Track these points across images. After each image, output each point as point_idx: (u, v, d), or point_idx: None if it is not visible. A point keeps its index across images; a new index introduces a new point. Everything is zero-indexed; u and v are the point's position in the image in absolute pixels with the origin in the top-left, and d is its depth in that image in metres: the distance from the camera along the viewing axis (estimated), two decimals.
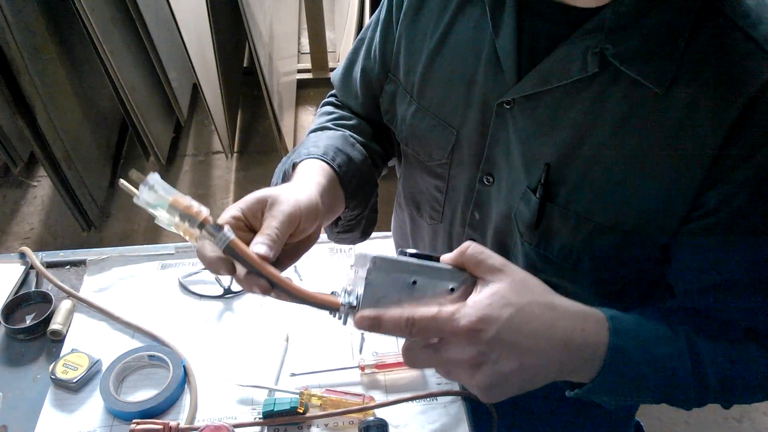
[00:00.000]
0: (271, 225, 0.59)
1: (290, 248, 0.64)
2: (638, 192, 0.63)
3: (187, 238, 0.58)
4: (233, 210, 0.61)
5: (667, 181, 0.62)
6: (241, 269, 0.57)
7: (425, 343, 0.55)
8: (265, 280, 0.56)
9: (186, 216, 0.56)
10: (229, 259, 0.57)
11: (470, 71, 0.71)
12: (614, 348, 0.57)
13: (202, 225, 0.56)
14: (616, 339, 0.58)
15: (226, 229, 0.57)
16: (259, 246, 0.57)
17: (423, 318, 0.53)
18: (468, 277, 0.56)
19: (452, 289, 0.56)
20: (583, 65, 0.61)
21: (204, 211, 0.57)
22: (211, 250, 0.58)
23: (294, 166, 0.75)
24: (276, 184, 0.77)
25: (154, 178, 0.56)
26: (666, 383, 0.61)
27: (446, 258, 0.57)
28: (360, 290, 0.56)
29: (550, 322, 0.55)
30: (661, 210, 0.63)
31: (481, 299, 0.54)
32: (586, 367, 0.58)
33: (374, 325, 0.54)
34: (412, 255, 0.58)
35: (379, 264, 0.55)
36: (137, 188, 0.56)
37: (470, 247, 0.56)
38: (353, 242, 0.86)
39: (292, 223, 0.61)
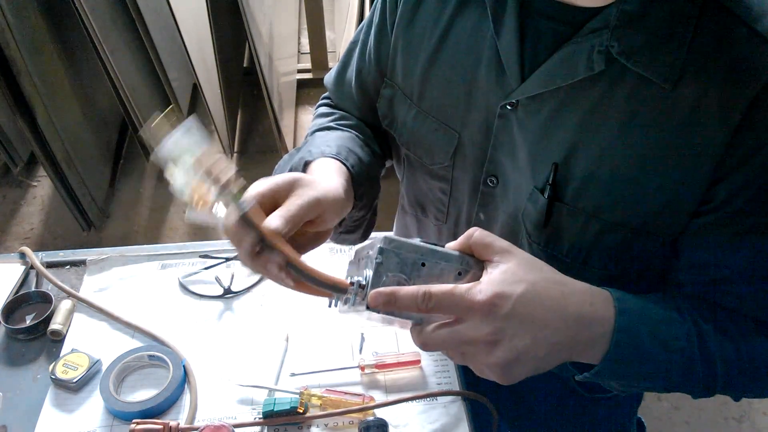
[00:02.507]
0: (293, 202, 0.60)
1: (306, 239, 0.65)
2: (646, 188, 0.63)
3: (197, 204, 0.56)
4: (261, 186, 0.61)
5: (675, 177, 0.62)
6: (250, 244, 0.57)
7: (440, 323, 0.55)
8: (278, 255, 0.56)
9: (208, 175, 0.54)
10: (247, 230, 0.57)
11: (471, 73, 0.71)
12: (621, 329, 0.57)
13: (223, 189, 0.55)
14: (622, 319, 0.58)
15: (244, 197, 0.57)
16: (273, 219, 0.57)
17: (440, 292, 0.53)
18: (474, 262, 0.57)
19: (459, 273, 0.57)
20: (589, 64, 0.61)
21: (226, 175, 0.55)
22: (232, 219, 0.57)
23: (307, 164, 0.74)
24: None
25: (192, 121, 0.54)
26: (673, 364, 0.61)
27: (452, 245, 0.58)
28: (369, 272, 0.56)
29: (562, 296, 0.56)
30: (670, 206, 0.64)
31: (494, 277, 0.54)
32: (595, 345, 0.58)
33: (389, 301, 0.54)
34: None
35: (389, 244, 0.56)
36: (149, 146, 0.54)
37: (476, 232, 0.57)
38: (353, 243, 0.86)
39: (314, 208, 0.61)
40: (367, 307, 0.55)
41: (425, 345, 0.56)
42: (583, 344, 0.57)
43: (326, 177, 0.69)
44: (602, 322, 0.58)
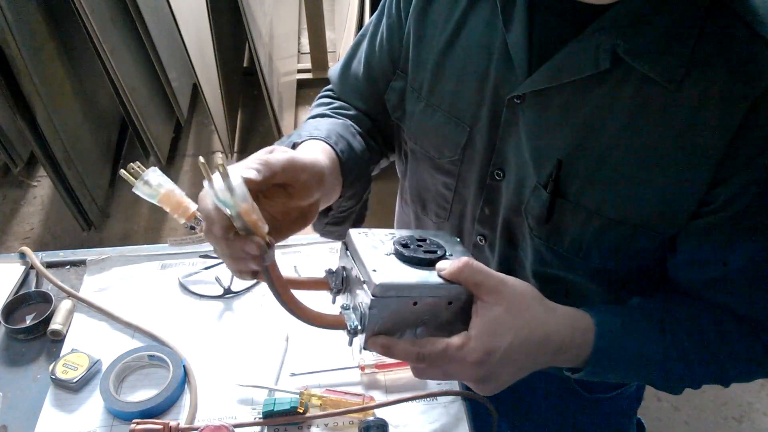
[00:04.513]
0: (264, 153, 0.58)
1: (291, 219, 0.64)
2: (648, 187, 0.64)
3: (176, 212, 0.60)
4: (246, 163, 0.57)
5: (677, 176, 0.62)
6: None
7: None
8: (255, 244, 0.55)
9: (177, 211, 0.57)
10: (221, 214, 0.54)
11: (483, 67, 0.71)
12: (598, 350, 0.65)
13: (192, 227, 0.58)
14: (601, 342, 0.65)
15: (234, 185, 0.56)
16: (247, 170, 0.55)
17: (433, 354, 0.59)
18: (463, 290, 0.60)
19: (450, 302, 0.60)
20: (595, 61, 0.61)
21: (192, 207, 0.58)
22: (210, 201, 0.55)
23: (295, 146, 0.73)
24: None
25: (149, 174, 0.57)
26: (651, 373, 0.70)
27: (444, 271, 0.60)
28: (363, 304, 0.58)
29: (545, 336, 0.62)
30: (671, 205, 0.64)
31: (481, 330, 0.59)
32: (574, 362, 0.66)
33: (385, 350, 0.60)
34: (406, 243, 0.62)
35: (381, 290, 0.57)
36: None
37: (467, 268, 0.59)
38: (339, 237, 0.82)
39: (289, 166, 0.58)
40: (365, 348, 0.61)
41: (420, 377, 0.63)
42: (560, 363, 0.66)
43: (308, 152, 0.68)
44: (579, 349, 0.65)
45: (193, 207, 0.58)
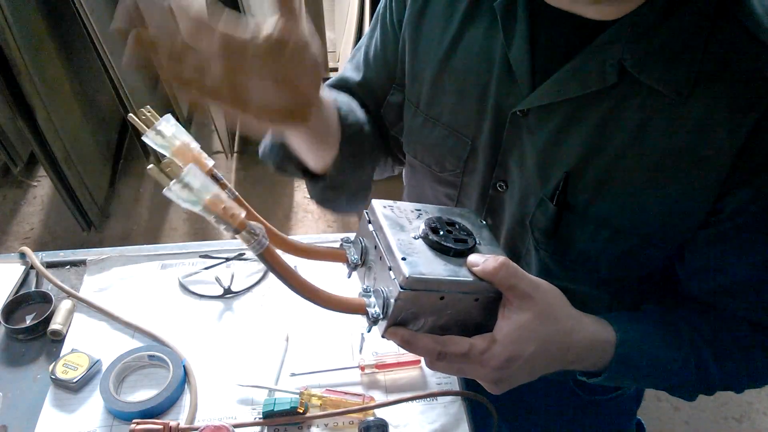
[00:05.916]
0: None
1: (284, 104, 0.55)
2: (657, 197, 0.63)
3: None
4: None
5: (686, 186, 0.62)
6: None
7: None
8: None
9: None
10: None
11: (483, 80, 0.70)
12: (617, 358, 0.64)
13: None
14: (621, 350, 0.64)
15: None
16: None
17: (454, 354, 0.58)
18: (493, 288, 0.58)
19: (477, 299, 0.58)
20: (601, 76, 0.60)
21: (209, 164, 0.55)
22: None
23: None
24: (265, 146, 0.76)
25: (163, 123, 0.53)
26: (669, 381, 0.70)
27: (477, 268, 0.57)
28: (387, 291, 0.56)
29: (568, 346, 0.61)
30: (680, 214, 0.64)
31: (508, 335, 0.58)
32: (591, 368, 0.66)
33: (405, 343, 0.58)
34: (436, 227, 0.60)
35: (411, 283, 0.55)
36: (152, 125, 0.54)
37: (502, 270, 0.57)
38: (335, 210, 0.80)
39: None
40: (382, 337, 0.58)
41: (433, 369, 0.61)
42: (579, 369, 0.67)
43: None
44: (596, 361, 0.65)
45: (210, 163, 0.54)
